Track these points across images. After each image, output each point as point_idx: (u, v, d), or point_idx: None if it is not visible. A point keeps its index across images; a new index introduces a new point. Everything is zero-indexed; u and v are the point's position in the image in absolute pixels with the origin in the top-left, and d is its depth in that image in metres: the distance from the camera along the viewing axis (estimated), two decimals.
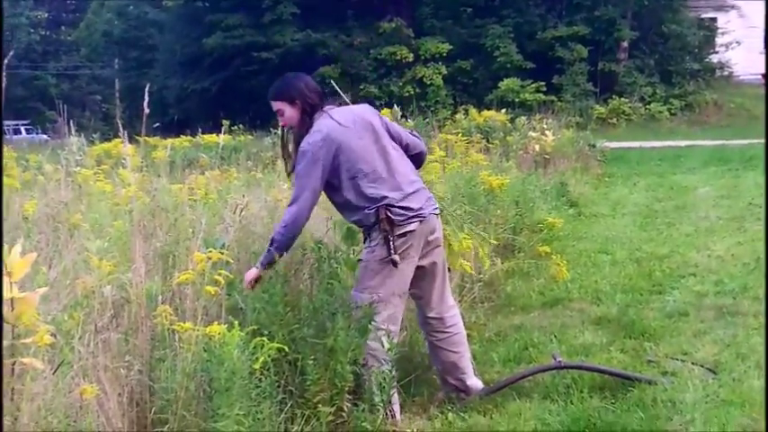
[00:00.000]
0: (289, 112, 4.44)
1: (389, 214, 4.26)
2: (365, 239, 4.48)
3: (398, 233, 4.28)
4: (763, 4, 35.50)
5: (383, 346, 4.28)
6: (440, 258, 4.60)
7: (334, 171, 4.32)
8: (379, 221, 4.28)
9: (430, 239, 4.46)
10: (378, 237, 4.32)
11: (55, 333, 3.37)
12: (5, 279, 3.11)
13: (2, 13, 18.73)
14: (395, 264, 4.29)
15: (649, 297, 6.59)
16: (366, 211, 4.32)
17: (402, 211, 4.29)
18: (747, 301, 6.30)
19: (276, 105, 4.49)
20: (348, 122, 4.38)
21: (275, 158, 9.83)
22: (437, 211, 4.57)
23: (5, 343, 3.11)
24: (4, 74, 3.60)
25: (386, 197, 4.29)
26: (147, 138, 11.86)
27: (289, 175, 4.63)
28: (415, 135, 4.79)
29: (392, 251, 4.27)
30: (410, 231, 4.32)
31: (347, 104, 4.92)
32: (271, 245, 4.34)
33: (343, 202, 4.42)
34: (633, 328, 5.77)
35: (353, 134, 4.35)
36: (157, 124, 13.10)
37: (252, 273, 4.38)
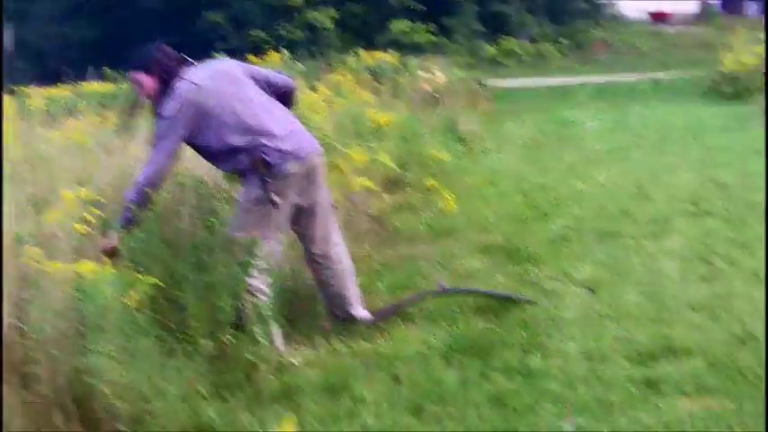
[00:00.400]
0: (147, 82, 4.41)
1: (265, 157, 4.23)
2: (242, 181, 4.44)
3: (277, 175, 4.25)
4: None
5: (261, 282, 4.26)
6: (322, 197, 4.57)
7: (198, 129, 4.28)
8: (254, 165, 4.25)
9: (311, 178, 4.44)
10: (254, 179, 4.29)
11: None
12: None
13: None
14: (274, 204, 4.26)
15: (534, 225, 6.69)
16: (239, 155, 4.28)
17: (278, 154, 4.26)
18: (627, 224, 6.47)
19: (133, 76, 4.48)
20: (205, 80, 4.35)
21: None
22: (319, 151, 4.54)
23: None
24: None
25: (256, 142, 4.25)
26: (23, 87, 11.51)
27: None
28: (282, 74, 4.84)
29: (270, 192, 4.24)
30: (288, 173, 4.29)
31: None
32: (126, 205, 4.24)
33: (214, 154, 4.39)
34: (517, 254, 5.85)
35: (212, 90, 4.32)
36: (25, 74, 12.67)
37: (109, 239, 4.23)
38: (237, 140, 4.27)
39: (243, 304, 4.22)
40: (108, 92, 12.85)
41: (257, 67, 4.81)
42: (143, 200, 4.20)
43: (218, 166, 4.55)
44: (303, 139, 4.46)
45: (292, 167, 4.30)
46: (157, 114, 4.34)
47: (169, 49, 4.52)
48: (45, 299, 3.57)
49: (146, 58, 4.44)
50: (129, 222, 4.19)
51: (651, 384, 3.72)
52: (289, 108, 4.66)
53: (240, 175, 4.43)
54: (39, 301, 3.57)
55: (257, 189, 4.27)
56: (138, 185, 4.23)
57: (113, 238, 4.19)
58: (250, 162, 4.26)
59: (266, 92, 4.53)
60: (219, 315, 4.14)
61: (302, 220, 4.52)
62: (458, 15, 30.31)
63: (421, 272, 5.59)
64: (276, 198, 4.26)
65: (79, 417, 3.43)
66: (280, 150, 4.27)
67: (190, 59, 4.57)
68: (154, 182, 4.24)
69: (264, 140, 4.26)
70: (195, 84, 4.31)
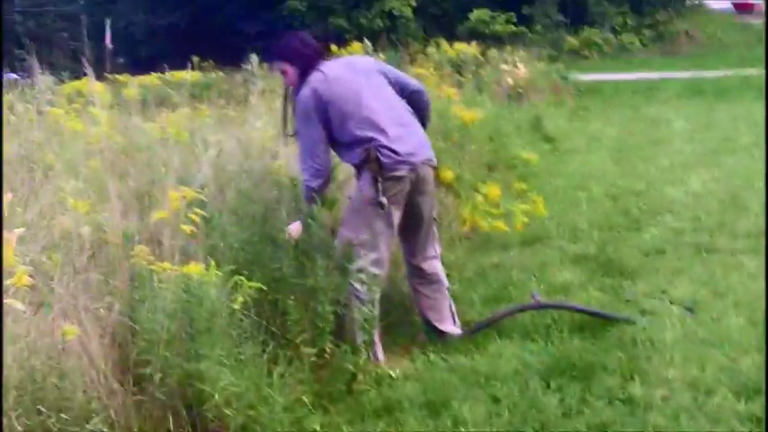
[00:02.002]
0: (289, 72, 4.55)
1: (379, 155, 4.26)
2: (357, 178, 4.50)
3: (387, 176, 4.28)
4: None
5: (366, 288, 4.28)
6: (427, 208, 4.59)
7: (326, 119, 4.37)
8: (368, 161, 4.28)
9: (420, 187, 4.46)
10: (367, 177, 4.33)
11: (33, 274, 3.32)
12: None
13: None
14: (381, 206, 4.27)
15: (626, 234, 6.60)
16: (357, 149, 4.33)
17: (391, 154, 4.29)
18: (724, 237, 6.31)
19: (278, 66, 4.64)
20: (335, 71, 4.46)
21: (247, 95, 9.70)
22: (431, 162, 4.56)
23: None
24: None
25: (373, 138, 4.29)
26: (117, 75, 11.69)
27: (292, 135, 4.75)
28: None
29: (379, 193, 4.25)
30: (399, 176, 4.32)
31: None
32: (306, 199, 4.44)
33: (337, 144, 4.45)
34: (611, 265, 5.78)
35: (341, 81, 4.41)
36: (121, 60, 12.86)
37: (296, 225, 4.41)
38: (356, 132, 4.33)
39: (347, 311, 4.25)
40: (197, 81, 12.98)
41: (391, 67, 4.86)
42: (321, 189, 4.43)
43: (339, 155, 4.60)
44: (419, 146, 4.47)
45: (402, 171, 4.32)
46: (295, 102, 4.49)
47: (310, 39, 4.65)
48: (156, 300, 3.63)
49: (284, 48, 4.59)
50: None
51: (758, 422, 3.58)
52: (420, 114, 4.67)
53: (356, 169, 4.50)
54: (150, 301, 3.63)
55: (369, 188, 4.32)
56: (307, 188, 4.44)
57: (299, 224, 4.38)
58: (364, 157, 4.31)
59: (396, 92, 4.57)
60: (320, 321, 4.18)
61: (406, 228, 4.54)
62: (538, 4, 29.95)
63: (514, 282, 5.55)
64: (383, 200, 4.28)
65: (190, 421, 3.49)
66: (393, 151, 4.30)
67: (329, 50, 4.70)
68: (316, 175, 4.41)
69: (380, 137, 4.31)
70: (325, 74, 4.40)
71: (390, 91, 4.52)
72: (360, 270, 4.32)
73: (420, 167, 4.41)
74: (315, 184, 4.39)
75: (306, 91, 4.38)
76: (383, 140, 4.29)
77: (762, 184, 7.93)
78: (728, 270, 5.55)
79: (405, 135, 4.38)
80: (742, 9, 35.87)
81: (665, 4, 31.75)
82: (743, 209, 7.11)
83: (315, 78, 4.39)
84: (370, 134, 4.30)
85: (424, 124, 4.68)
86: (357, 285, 4.31)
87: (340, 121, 4.35)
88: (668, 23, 31.21)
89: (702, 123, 12.49)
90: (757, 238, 6.21)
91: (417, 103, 4.67)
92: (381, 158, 4.26)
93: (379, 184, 4.27)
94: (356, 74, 4.48)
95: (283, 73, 4.59)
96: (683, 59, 24.89)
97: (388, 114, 4.39)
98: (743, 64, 21.58)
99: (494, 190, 6.51)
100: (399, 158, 4.29)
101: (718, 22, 32.52)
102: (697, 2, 33.37)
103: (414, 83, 4.78)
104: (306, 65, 4.47)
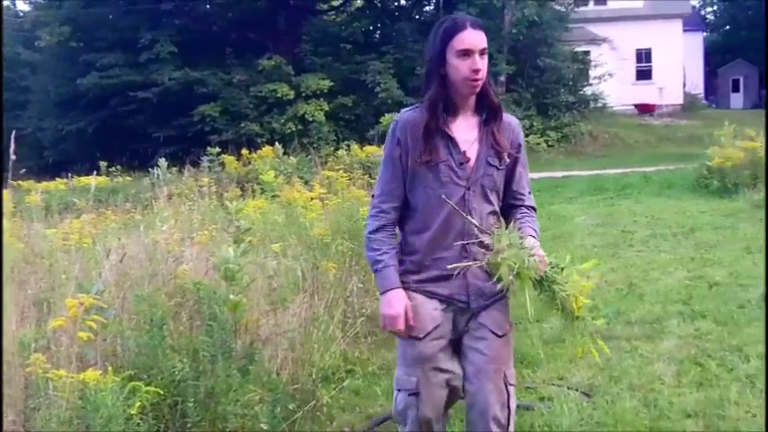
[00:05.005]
0: None
1: None
2: None
3: None
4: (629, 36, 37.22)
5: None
6: None
7: None
8: None
9: None
10: None
11: None
12: None
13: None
14: None
15: (528, 325, 6.73)
16: None
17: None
18: (620, 325, 6.54)
19: None
20: None
21: (154, 199, 9.73)
22: None
23: None
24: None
25: None
26: (20, 182, 11.61)
27: None
28: None
29: None
30: None
31: None
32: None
33: None
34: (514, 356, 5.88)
35: None
36: (23, 170, 12.76)
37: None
38: None
39: None
40: (104, 186, 12.96)
41: None
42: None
43: None
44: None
45: None
46: None
47: None
48: (50, 408, 3.60)
49: None
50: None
51: None
52: None
53: None
54: (45, 410, 3.59)
55: None
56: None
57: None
58: None
59: None
60: (220, 422, 4.17)
61: None
62: None
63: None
64: None
65: None
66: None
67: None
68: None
69: None
70: None
71: None
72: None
73: None
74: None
75: None
76: None
77: (656, 275, 8.26)
78: (624, 355, 5.74)
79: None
80: (643, 110, 37.49)
81: (570, 107, 32.94)
82: (639, 298, 7.38)
83: None
84: None
85: None
86: None
87: None
88: (572, 125, 32.32)
89: (603, 218, 12.92)
90: (651, 324, 6.46)
91: None
92: None
93: None
94: None
95: None
96: (588, 159, 25.75)
97: None
98: (643, 162, 22.48)
99: None
100: None
101: (620, 123, 33.85)
102: (600, 104, 34.62)
103: None
104: None
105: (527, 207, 3.51)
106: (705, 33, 50.48)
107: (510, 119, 3.41)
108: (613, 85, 34.39)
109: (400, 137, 3.28)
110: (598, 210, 14.06)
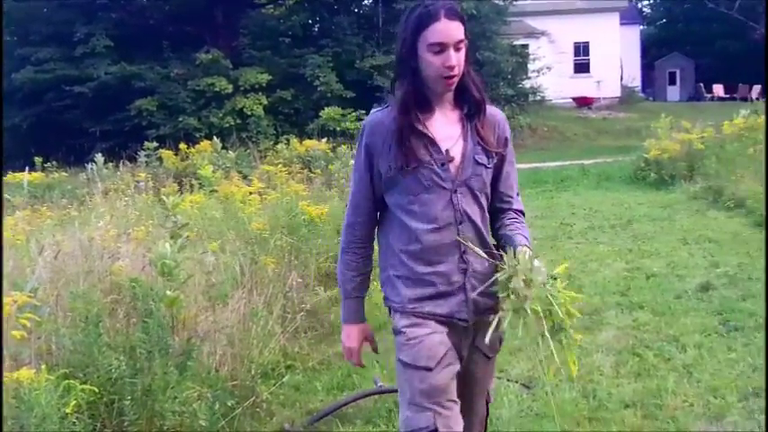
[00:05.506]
0: None
1: None
2: None
3: None
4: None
5: None
6: None
7: None
8: None
9: None
10: None
11: None
12: None
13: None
14: None
15: None
16: None
17: None
18: None
19: None
20: None
21: (90, 195, 9.59)
22: None
23: None
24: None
25: None
26: None
27: None
28: None
29: None
30: None
31: None
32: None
33: None
34: None
35: None
36: None
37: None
38: None
39: None
40: (39, 182, 12.71)
41: None
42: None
43: None
44: None
45: None
46: None
47: None
48: None
49: None
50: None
51: None
52: None
53: None
54: None
55: None
56: None
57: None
58: None
59: None
60: (158, 420, 4.12)
61: None
62: (387, 101, 30.67)
63: (358, 369, 5.58)
64: None
65: None
66: None
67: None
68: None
69: None
70: None
71: None
72: None
73: None
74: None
75: None
76: None
77: (595, 266, 8.36)
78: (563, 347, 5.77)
79: None
80: (581, 103, 37.93)
81: (509, 100, 33.11)
82: (577, 289, 7.41)
83: None
84: None
85: None
86: None
87: None
88: (512, 118, 32.51)
89: (542, 211, 13.04)
90: (590, 315, 6.52)
91: None
92: None
93: None
94: None
95: None
96: (527, 152, 25.95)
97: None
98: (582, 155, 22.74)
99: None
100: None
101: (559, 117, 34.17)
102: (539, 98, 34.86)
103: None
104: None
105: (515, 211, 3.08)
106: (642, 26, 51.19)
107: (494, 111, 3.03)
108: (552, 78, 34.65)
109: (369, 142, 2.91)
110: (537, 202, 14.17)
